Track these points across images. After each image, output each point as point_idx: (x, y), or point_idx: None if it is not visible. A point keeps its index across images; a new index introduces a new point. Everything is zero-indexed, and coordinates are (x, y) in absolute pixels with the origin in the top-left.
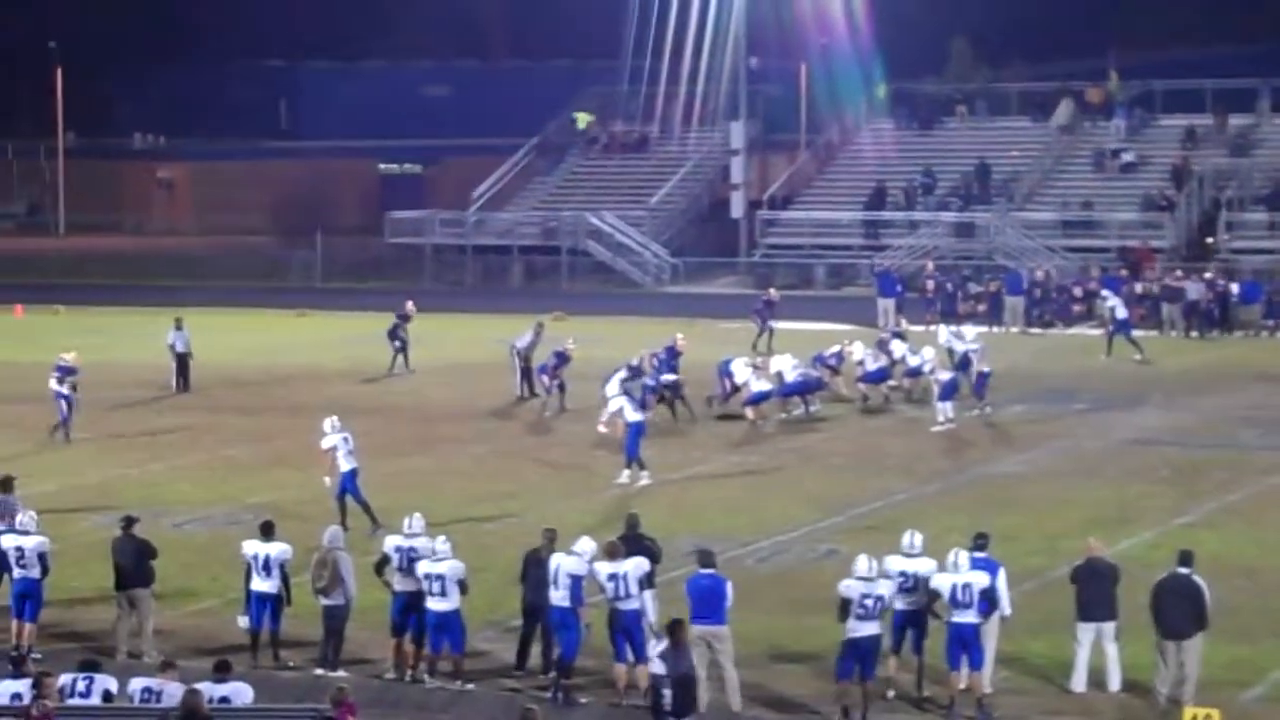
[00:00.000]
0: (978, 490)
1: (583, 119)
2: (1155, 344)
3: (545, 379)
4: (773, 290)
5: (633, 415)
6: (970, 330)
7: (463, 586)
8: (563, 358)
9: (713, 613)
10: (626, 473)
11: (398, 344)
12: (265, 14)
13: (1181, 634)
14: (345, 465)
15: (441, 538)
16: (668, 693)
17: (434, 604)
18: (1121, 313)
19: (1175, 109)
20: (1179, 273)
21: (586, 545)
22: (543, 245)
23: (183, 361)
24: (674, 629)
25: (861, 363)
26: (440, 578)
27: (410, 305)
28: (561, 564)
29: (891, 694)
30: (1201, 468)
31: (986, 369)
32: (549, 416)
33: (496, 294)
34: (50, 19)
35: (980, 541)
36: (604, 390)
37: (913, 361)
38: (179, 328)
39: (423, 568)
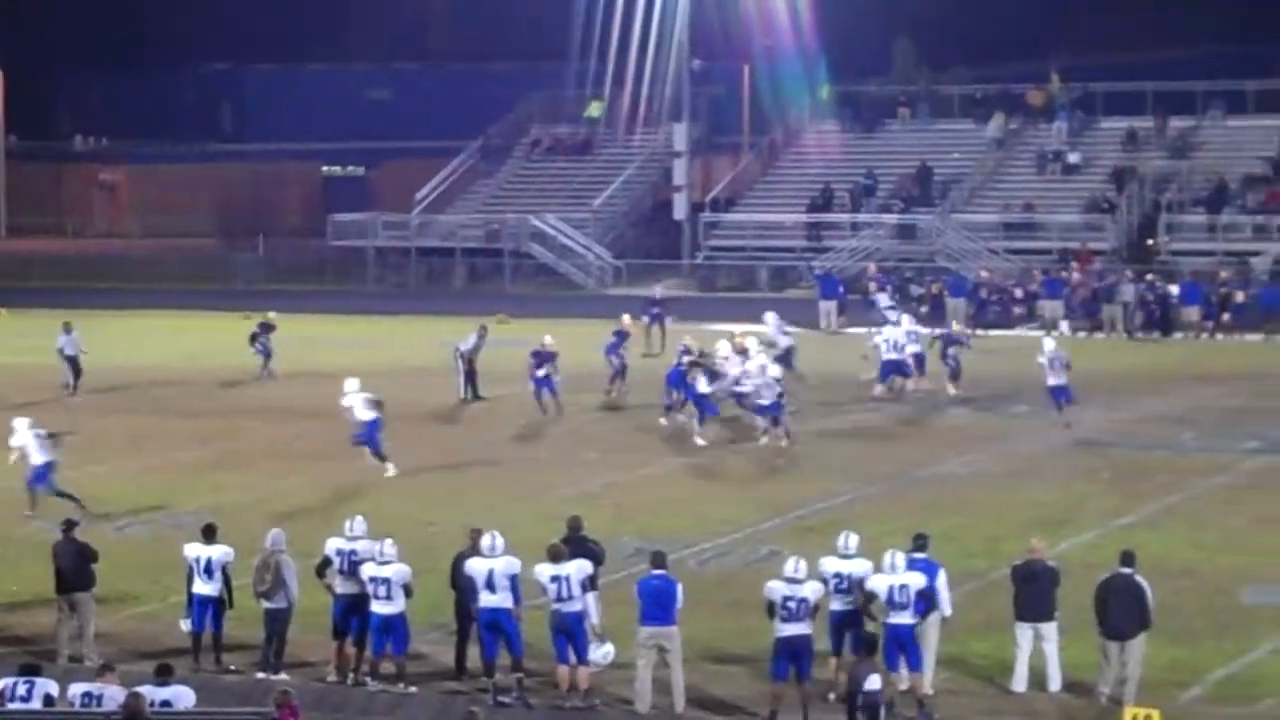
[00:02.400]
0: (920, 491)
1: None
2: (1096, 346)
3: (539, 383)
4: (658, 288)
5: (366, 414)
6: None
7: (407, 590)
8: (542, 356)
9: (663, 614)
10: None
11: (259, 348)
12: (208, 17)
13: (1124, 634)
14: (38, 459)
15: (388, 540)
16: (882, 711)
17: (378, 607)
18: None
19: (1116, 111)
20: (1108, 274)
21: (498, 540)
22: (486, 248)
23: (74, 364)
24: (872, 643)
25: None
26: (386, 581)
27: (272, 315)
28: (495, 566)
29: (832, 696)
30: (1142, 469)
31: (1060, 381)
32: (541, 418)
33: (439, 296)
34: None
35: (920, 542)
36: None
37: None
38: (68, 331)
39: (368, 570)
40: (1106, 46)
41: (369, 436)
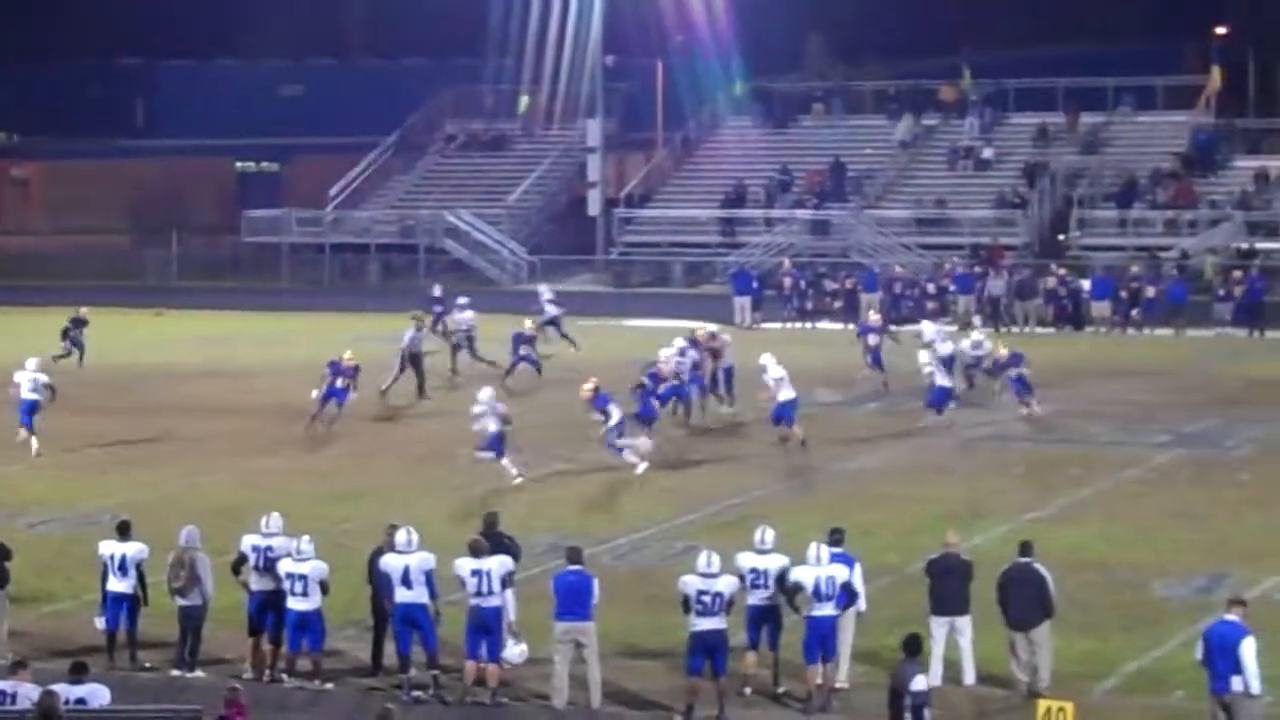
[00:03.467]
0: (834, 487)
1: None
2: (1009, 340)
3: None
4: (437, 286)
5: (29, 395)
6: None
7: (324, 587)
8: (339, 369)
9: (579, 609)
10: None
11: (68, 345)
12: (119, 12)
13: (1027, 623)
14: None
15: (305, 537)
16: (928, 712)
17: (295, 603)
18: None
19: (1027, 107)
20: (977, 268)
21: (413, 536)
22: (400, 243)
23: None
24: (915, 644)
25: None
26: (303, 578)
27: (84, 310)
28: (410, 563)
29: (748, 690)
30: (1053, 463)
31: (948, 383)
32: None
33: (354, 292)
34: None
35: (836, 536)
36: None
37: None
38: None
39: (284, 567)
40: (1017, 42)
41: (26, 415)
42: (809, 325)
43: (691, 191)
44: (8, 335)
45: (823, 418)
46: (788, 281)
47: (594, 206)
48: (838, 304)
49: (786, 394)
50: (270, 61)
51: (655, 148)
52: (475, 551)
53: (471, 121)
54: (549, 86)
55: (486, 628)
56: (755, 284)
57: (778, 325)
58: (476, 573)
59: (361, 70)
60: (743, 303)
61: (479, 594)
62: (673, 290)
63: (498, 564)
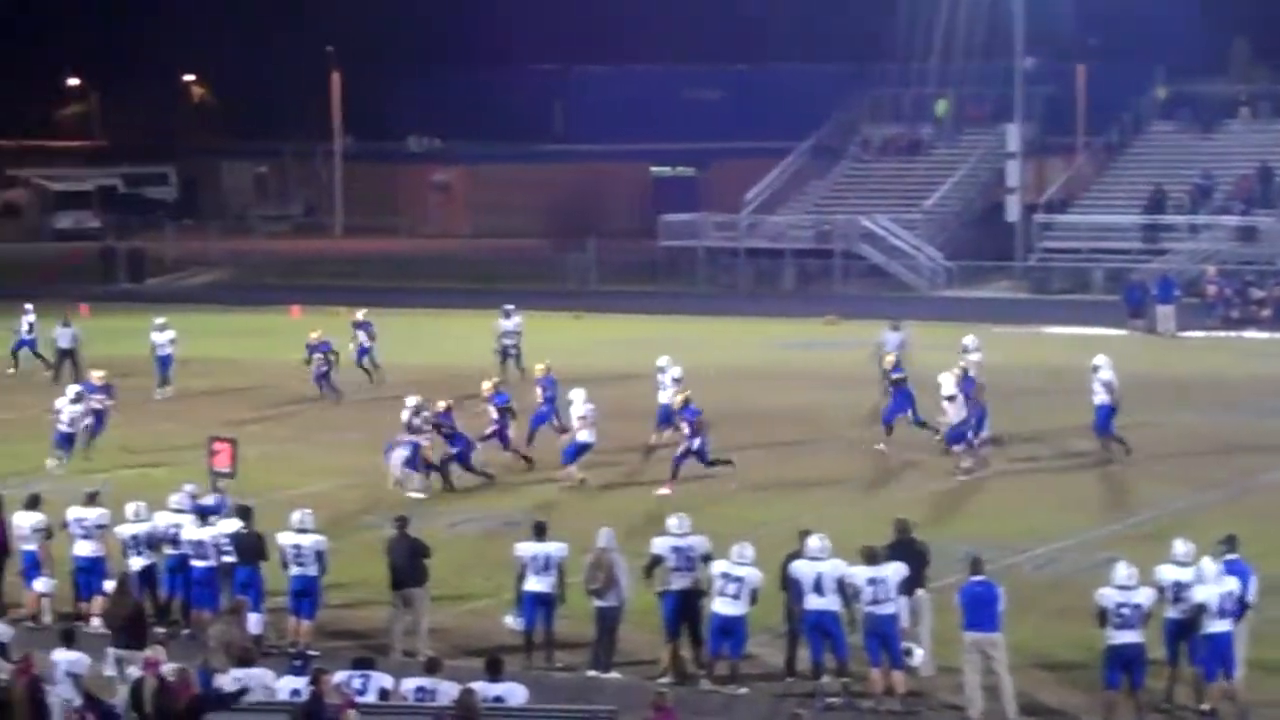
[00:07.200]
0: (1258, 499)
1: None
2: None
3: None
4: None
5: None
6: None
7: (754, 596)
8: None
9: (986, 620)
10: None
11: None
12: (538, 17)
13: None
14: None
15: (746, 543)
16: None
17: (722, 606)
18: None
19: None
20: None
21: (826, 543)
22: (815, 248)
23: (69, 356)
24: None
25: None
26: (739, 580)
27: (361, 313)
28: (822, 570)
29: (1167, 706)
30: None
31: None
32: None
33: (769, 297)
34: (327, 23)
35: (1228, 545)
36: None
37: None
38: (66, 324)
39: (719, 567)
40: None
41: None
42: (1235, 334)
43: (1113, 197)
44: (446, 337)
45: (1248, 427)
46: (1212, 289)
47: (1013, 212)
48: (1265, 312)
49: (586, 435)
50: (686, 66)
51: (1076, 152)
52: (870, 559)
53: (887, 126)
54: (965, 90)
55: (882, 635)
56: (1176, 291)
57: (1201, 334)
58: (873, 580)
59: (778, 75)
60: (1165, 311)
61: (875, 601)
62: (1093, 297)
63: (893, 571)
